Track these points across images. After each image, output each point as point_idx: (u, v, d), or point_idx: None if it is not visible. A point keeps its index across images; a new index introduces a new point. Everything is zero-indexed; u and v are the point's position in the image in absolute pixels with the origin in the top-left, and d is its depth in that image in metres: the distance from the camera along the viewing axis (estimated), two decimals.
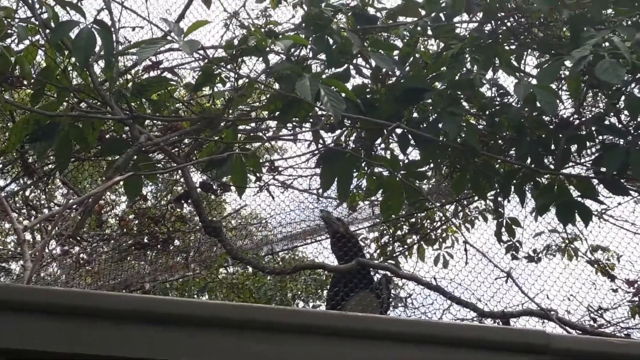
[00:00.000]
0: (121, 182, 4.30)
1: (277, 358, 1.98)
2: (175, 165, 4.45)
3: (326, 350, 2.03)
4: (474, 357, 2.10)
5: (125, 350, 1.92)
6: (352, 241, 4.48)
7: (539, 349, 2.12)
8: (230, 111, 4.52)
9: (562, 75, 4.61)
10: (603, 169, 4.31)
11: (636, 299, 5.43)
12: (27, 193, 5.46)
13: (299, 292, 6.65)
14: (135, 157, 4.18)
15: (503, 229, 5.13)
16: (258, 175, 4.97)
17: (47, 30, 4.12)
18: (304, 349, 2.02)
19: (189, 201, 4.40)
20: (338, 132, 5.06)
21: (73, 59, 4.15)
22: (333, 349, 2.03)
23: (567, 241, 5.75)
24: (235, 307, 2.06)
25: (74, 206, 3.77)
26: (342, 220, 4.92)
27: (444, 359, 2.08)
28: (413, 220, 6.44)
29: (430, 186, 6.01)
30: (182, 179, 5.10)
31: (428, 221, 6.53)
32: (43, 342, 1.89)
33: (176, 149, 4.81)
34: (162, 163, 4.78)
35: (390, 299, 4.46)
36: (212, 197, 5.46)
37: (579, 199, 4.39)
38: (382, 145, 4.99)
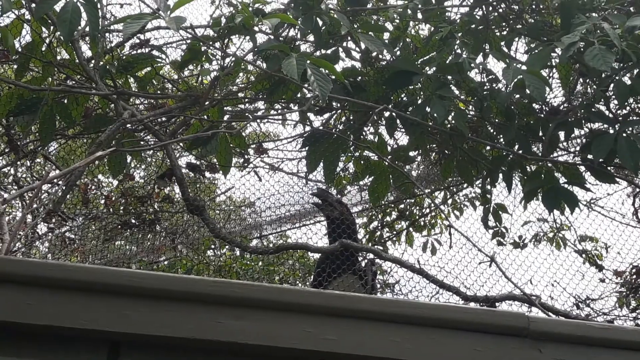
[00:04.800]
0: (105, 160, 4.27)
1: (255, 335, 1.96)
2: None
3: (305, 327, 2.01)
4: (453, 338, 2.09)
5: (103, 323, 1.90)
6: (347, 223, 4.39)
7: (519, 331, 2.12)
8: (217, 90, 4.47)
9: (553, 64, 4.59)
10: (590, 156, 4.29)
11: (623, 289, 5.43)
12: (12, 170, 5.39)
13: (286, 277, 6.61)
14: (119, 134, 4.14)
15: (490, 215, 5.11)
16: (245, 156, 4.93)
17: (32, 4, 4.07)
18: (282, 326, 2.00)
19: (173, 179, 4.37)
20: (326, 115, 5.03)
21: (58, 34, 4.09)
22: (313, 327, 2.01)
23: (555, 230, 5.75)
24: (214, 283, 2.04)
25: (55, 180, 3.72)
26: (343, 202, 4.78)
27: (423, 340, 2.07)
28: (402, 206, 6.41)
29: (419, 172, 5.98)
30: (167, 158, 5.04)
31: (417, 207, 6.51)
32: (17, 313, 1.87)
33: (162, 128, 4.76)
34: (147, 142, 4.73)
35: (374, 282, 4.42)
36: (200, 178, 5.41)
37: (566, 185, 4.38)
38: (371, 130, 4.96)
